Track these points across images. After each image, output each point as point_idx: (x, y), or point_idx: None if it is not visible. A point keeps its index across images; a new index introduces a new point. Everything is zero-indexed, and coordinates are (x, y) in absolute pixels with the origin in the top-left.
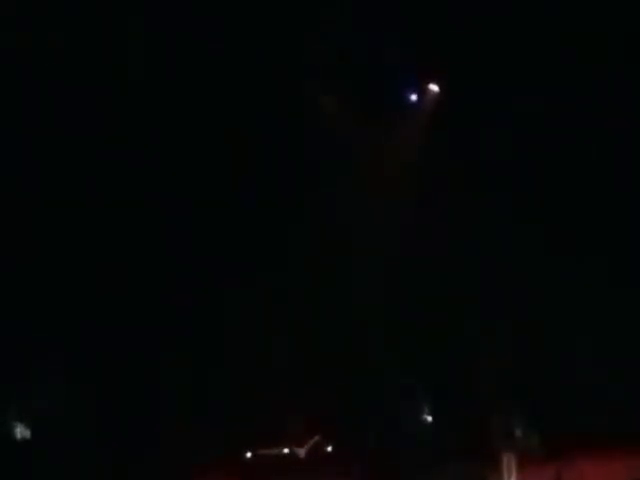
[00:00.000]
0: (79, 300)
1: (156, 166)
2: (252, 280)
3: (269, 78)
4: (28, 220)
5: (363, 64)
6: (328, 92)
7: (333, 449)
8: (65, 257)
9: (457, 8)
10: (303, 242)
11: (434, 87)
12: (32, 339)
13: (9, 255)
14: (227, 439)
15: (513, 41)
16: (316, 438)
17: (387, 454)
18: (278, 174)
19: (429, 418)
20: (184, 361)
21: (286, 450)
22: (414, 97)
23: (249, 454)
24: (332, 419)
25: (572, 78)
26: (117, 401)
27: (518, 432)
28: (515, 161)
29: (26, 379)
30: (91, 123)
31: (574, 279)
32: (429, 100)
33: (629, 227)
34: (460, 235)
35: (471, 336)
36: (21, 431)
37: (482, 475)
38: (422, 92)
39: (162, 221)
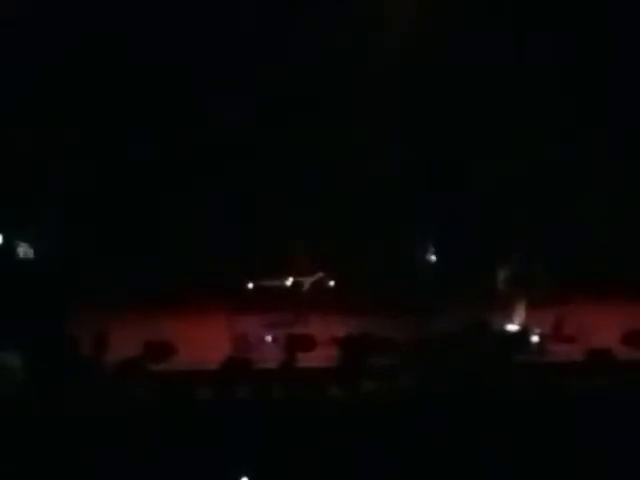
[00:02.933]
0: None
1: None
2: None
3: None
4: None
5: None
6: None
7: (335, 285)
8: None
9: None
10: None
11: None
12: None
13: None
14: (228, 269)
15: None
16: (320, 274)
17: (386, 293)
18: None
19: (433, 258)
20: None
21: (289, 282)
22: None
23: (251, 285)
24: (334, 257)
25: None
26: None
27: (526, 275)
28: None
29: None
30: None
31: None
32: None
33: None
34: None
35: (480, 178)
36: (24, 251)
37: (485, 319)
38: None
39: None
